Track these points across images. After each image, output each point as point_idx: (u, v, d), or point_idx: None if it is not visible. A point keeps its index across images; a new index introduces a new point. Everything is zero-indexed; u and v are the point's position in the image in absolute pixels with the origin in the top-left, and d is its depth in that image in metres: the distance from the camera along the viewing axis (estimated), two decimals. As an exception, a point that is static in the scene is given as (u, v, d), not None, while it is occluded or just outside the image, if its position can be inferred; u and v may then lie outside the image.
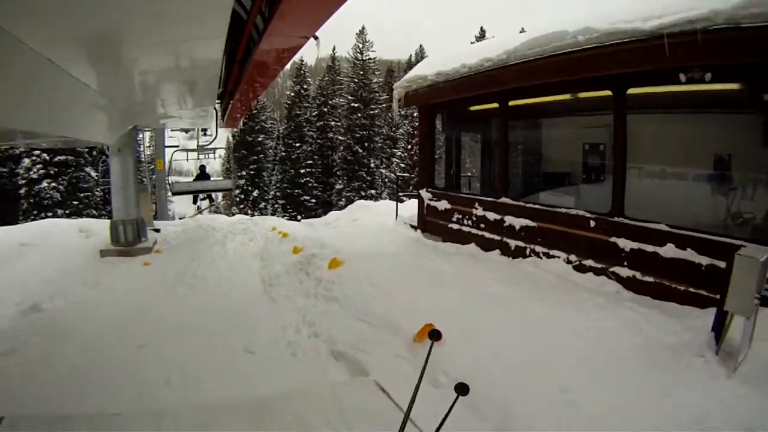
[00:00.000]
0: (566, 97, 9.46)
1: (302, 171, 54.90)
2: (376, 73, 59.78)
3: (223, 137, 53.94)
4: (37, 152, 38.72)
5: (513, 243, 9.71)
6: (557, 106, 10.09)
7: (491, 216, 10.35)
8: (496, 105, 10.52)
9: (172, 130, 22.90)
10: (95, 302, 9.51)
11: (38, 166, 39.32)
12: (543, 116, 11.42)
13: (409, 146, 47.28)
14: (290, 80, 62.95)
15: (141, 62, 7.54)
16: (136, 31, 5.68)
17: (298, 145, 55.90)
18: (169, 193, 21.76)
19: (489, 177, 12.57)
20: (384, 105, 57.29)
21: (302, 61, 60.07)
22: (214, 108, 16.11)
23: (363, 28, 58.88)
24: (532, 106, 10.39)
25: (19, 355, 7.02)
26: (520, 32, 11.16)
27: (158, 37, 6.02)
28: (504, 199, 10.14)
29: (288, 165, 55.44)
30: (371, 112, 56.09)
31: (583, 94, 9.05)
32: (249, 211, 54.94)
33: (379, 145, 55.91)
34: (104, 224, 15.28)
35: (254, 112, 58.26)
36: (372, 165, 54.30)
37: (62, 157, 38.04)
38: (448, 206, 11.88)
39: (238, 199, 56.65)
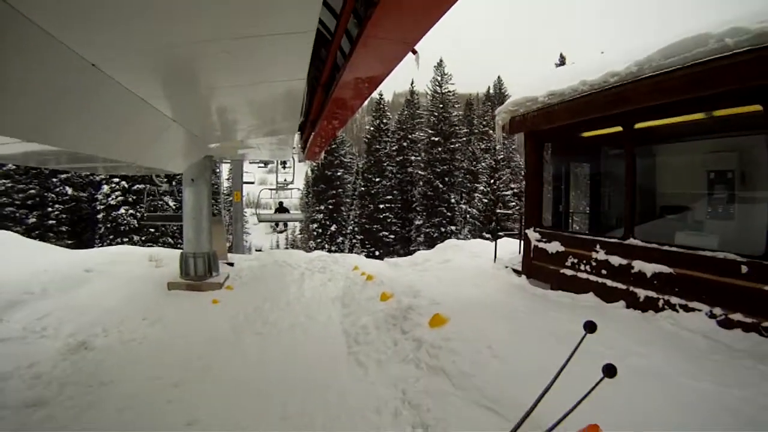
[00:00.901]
0: (711, 114, 7.82)
1: (381, 206, 53.99)
2: (456, 105, 58.78)
3: (301, 172, 53.98)
4: (116, 179, 39.60)
5: (642, 293, 7.92)
6: (698, 126, 8.32)
7: (615, 261, 8.60)
8: (619, 128, 8.88)
9: (250, 163, 22.53)
10: (152, 343, 8.41)
11: (117, 192, 40.11)
12: (676, 140, 9.52)
13: (492, 180, 45.42)
14: (368, 116, 62.64)
15: (218, 98, 7.23)
16: (215, 77, 5.90)
17: (377, 179, 55.15)
18: (247, 224, 21.71)
19: (611, 214, 10.89)
20: (464, 139, 56.09)
21: (381, 95, 59.72)
22: (294, 142, 15.26)
23: (441, 60, 58.26)
24: (665, 128, 8.67)
25: (48, 407, 5.93)
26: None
27: (236, 81, 6.15)
28: (632, 241, 8.38)
29: (367, 200, 54.65)
30: (451, 146, 54.89)
31: (733, 110, 7.38)
32: (326, 246, 54.46)
33: (460, 179, 54.52)
34: (176, 254, 14.60)
35: (332, 146, 58.19)
36: (452, 200, 52.83)
37: (140, 186, 38.06)
38: (561, 249, 10.13)
39: (315, 233, 56.28)
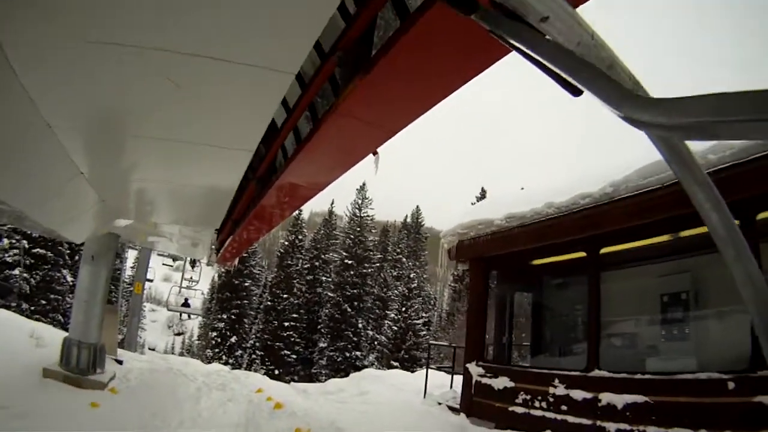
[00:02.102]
0: (677, 235, 7.40)
1: (286, 324, 51.88)
2: (373, 231, 58.70)
3: (208, 275, 51.71)
4: (17, 236, 36.45)
5: (613, 427, 7.10)
6: (667, 248, 7.89)
7: (578, 395, 7.79)
8: (582, 254, 8.41)
9: (158, 254, 21.27)
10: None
11: (15, 250, 36.68)
12: (645, 262, 8.83)
13: (403, 308, 44.59)
14: (283, 230, 61.75)
15: (142, 169, 6.55)
16: (145, 146, 5.32)
17: (285, 296, 53.36)
18: (144, 320, 20.45)
19: (571, 344, 10.09)
20: (377, 265, 55.63)
21: (300, 211, 59.10)
22: (211, 245, 13.98)
23: (364, 184, 58.62)
24: (631, 251, 8.24)
25: None
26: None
27: (167, 173, 5.97)
28: (597, 372, 7.67)
29: (272, 315, 52.49)
30: (364, 270, 54.10)
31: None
32: (224, 357, 51.54)
33: (369, 305, 53.43)
34: (62, 337, 12.75)
35: (245, 255, 56.45)
36: (360, 325, 51.41)
37: (41, 251, 35.73)
38: (510, 384, 9.20)
39: (214, 341, 53.32)
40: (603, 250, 8.17)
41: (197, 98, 3.89)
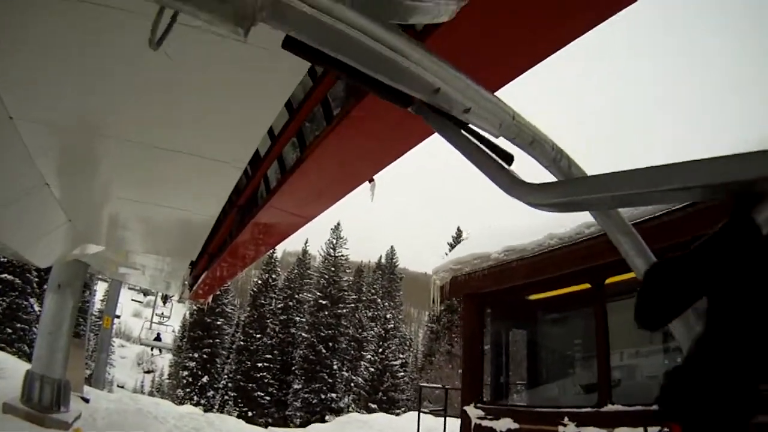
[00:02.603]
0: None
1: (259, 364, 50.45)
2: (347, 271, 57.79)
3: (179, 312, 50.26)
4: None
5: None
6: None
7: None
8: (586, 285, 7.89)
9: (129, 288, 20.48)
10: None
11: None
12: None
13: (380, 350, 43.55)
14: (255, 269, 60.67)
15: (114, 190, 6.25)
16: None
17: (258, 336, 52.06)
18: (113, 356, 19.68)
19: (578, 380, 9.45)
20: (352, 305, 54.61)
21: (274, 250, 58.20)
22: (185, 280, 13.32)
23: (338, 224, 57.95)
24: (638, 280, 7.67)
25: None
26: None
27: (142, 191, 5.67)
28: (610, 407, 7.07)
29: (245, 356, 51.06)
30: (338, 311, 52.97)
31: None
32: (196, 397, 49.93)
33: (344, 346, 52.20)
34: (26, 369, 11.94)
35: (217, 293, 55.06)
36: (335, 367, 50.12)
37: (8, 277, 33.21)
38: (514, 426, 8.43)
39: (185, 381, 51.62)
40: (608, 281, 7.65)
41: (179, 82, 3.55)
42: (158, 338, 24.27)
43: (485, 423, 9.02)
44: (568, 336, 9.69)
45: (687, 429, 0.76)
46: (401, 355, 48.72)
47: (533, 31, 2.53)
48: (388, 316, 48.64)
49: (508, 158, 1.25)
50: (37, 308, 34.45)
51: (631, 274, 4.74)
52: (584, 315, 8.55)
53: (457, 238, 50.17)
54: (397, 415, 14.13)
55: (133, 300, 26.70)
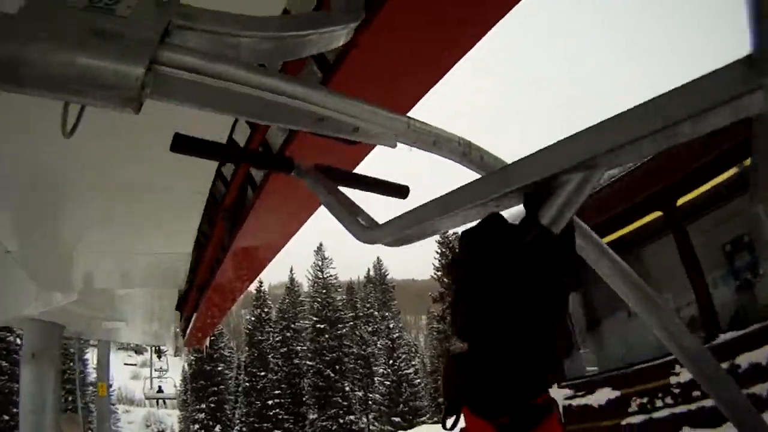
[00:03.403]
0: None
1: (270, 402, 48.91)
2: (339, 290, 56.50)
3: (176, 367, 48.49)
4: None
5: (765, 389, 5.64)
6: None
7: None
8: (657, 214, 7.21)
9: (118, 348, 19.20)
10: None
11: None
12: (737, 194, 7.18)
13: (391, 361, 42.16)
14: (243, 308, 59.35)
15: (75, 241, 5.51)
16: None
17: (262, 373, 50.51)
18: (119, 422, 18.61)
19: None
20: (351, 323, 53.34)
21: (261, 284, 56.62)
22: (176, 328, 12.25)
23: (321, 245, 56.75)
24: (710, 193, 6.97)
25: None
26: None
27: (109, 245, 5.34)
28: (723, 337, 6.34)
29: (253, 396, 49.47)
30: (338, 332, 51.62)
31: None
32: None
33: (351, 366, 50.93)
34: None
35: (211, 338, 53.48)
36: (347, 388, 48.81)
37: None
38: (615, 393, 7.57)
39: (197, 435, 50.12)
40: (680, 201, 6.80)
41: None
42: (160, 390, 23.93)
43: (576, 402, 8.12)
44: (648, 276, 8.75)
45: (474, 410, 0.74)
46: (413, 363, 47.53)
47: (435, 43, 2.40)
48: (391, 325, 47.19)
49: (403, 192, 1.41)
50: None
51: (706, 186, 5.95)
52: (661, 248, 7.88)
53: (444, 233, 49.31)
54: (437, 423, 13.09)
55: (126, 364, 26.91)
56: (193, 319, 9.36)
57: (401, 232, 1.02)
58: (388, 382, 41.18)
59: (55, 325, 9.70)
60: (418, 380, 43.85)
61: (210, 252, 5.82)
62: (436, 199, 0.91)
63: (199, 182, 4.14)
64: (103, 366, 17.61)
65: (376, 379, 45.35)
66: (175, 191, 4.23)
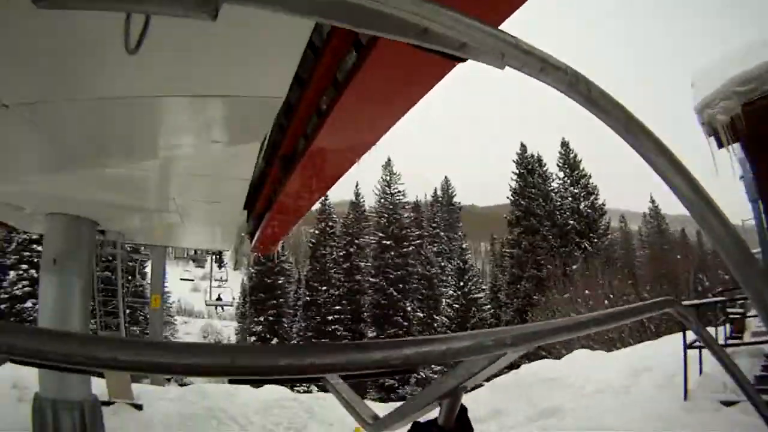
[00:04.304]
0: None
1: (329, 318, 47.61)
2: (406, 207, 53.66)
3: (235, 280, 47.08)
4: (24, 266, 35.42)
5: None
6: None
7: None
8: None
9: (176, 257, 17.36)
10: None
11: (24, 282, 35.34)
12: None
13: (461, 284, 39.49)
14: (304, 225, 57.59)
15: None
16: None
17: (324, 288, 49.01)
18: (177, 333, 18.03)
19: None
20: (417, 242, 50.79)
21: (326, 197, 54.18)
22: (242, 234, 9.94)
23: (389, 159, 53.70)
24: None
25: None
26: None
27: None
28: None
29: (313, 311, 48.31)
30: (404, 250, 49.35)
31: None
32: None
33: (414, 285, 48.83)
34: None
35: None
36: (408, 308, 46.88)
37: None
38: None
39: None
40: None
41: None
42: (219, 299, 24.64)
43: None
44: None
45: None
46: (483, 287, 44.89)
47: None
48: (464, 245, 44.04)
49: None
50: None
51: None
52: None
53: (523, 155, 45.61)
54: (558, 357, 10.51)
55: (182, 279, 26.23)
56: (265, 219, 7.48)
57: None
58: (457, 305, 38.55)
59: (84, 221, 7.16)
60: (488, 306, 41.23)
61: (297, 122, 5.18)
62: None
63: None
64: (158, 276, 15.51)
65: (444, 300, 42.81)
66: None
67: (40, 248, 37.03)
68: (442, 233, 56.96)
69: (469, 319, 37.72)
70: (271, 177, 6.24)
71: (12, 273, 35.55)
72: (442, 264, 52.89)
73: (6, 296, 35.09)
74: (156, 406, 10.02)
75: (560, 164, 44.13)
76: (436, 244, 54.44)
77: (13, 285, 35.29)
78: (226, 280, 24.32)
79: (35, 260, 34.70)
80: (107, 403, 10.04)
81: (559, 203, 42.32)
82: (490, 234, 74.35)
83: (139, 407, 9.85)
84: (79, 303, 7.03)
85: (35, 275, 33.52)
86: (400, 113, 4.10)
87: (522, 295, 38.58)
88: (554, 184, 44.08)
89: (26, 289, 34.76)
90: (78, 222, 7.08)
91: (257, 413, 9.78)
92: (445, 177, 66.59)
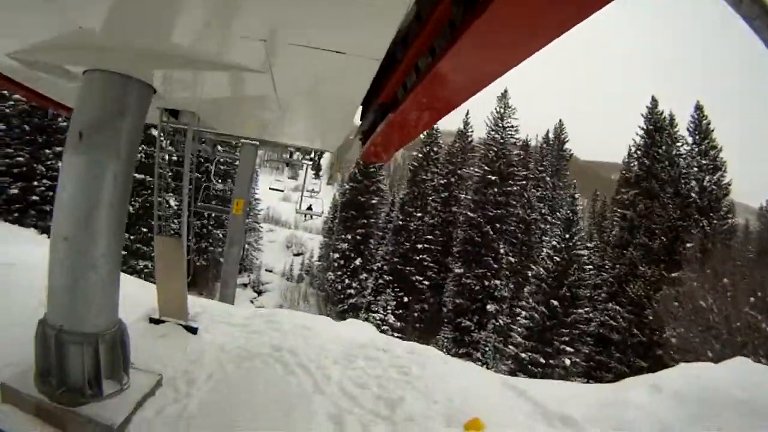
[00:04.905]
0: None
1: (419, 246, 45.65)
2: (516, 144, 49.83)
3: (326, 196, 45.23)
4: None
5: None
6: None
7: None
8: None
9: (266, 160, 15.66)
10: None
11: None
12: None
13: (567, 235, 36.10)
14: (406, 151, 55.15)
15: None
16: None
17: (419, 214, 46.93)
18: (261, 240, 16.35)
19: None
20: (522, 182, 47.39)
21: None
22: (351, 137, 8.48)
23: (505, 91, 49.68)
24: None
25: None
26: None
27: None
28: None
29: (403, 237, 46.37)
30: (507, 188, 46.07)
31: None
32: (347, 280, 46.58)
33: (512, 228, 45.88)
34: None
35: (371, 170, 50.53)
36: (501, 251, 44.22)
37: (140, 176, 30.79)
38: None
39: (336, 264, 48.28)
40: None
41: None
42: (310, 208, 22.54)
43: None
44: None
45: None
46: (588, 245, 41.42)
47: None
48: (577, 195, 40.03)
49: None
50: (173, 203, 33.13)
51: None
52: None
53: (653, 110, 40.81)
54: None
55: (271, 189, 25.53)
56: (386, 121, 5.83)
57: None
58: (558, 258, 35.50)
59: (130, 82, 4.96)
60: (590, 267, 37.90)
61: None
62: None
63: None
64: (244, 179, 13.57)
65: (544, 250, 39.68)
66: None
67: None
68: (548, 178, 53.20)
69: (567, 276, 34.69)
70: (397, 74, 4.72)
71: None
72: (543, 211, 49.56)
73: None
74: (211, 334, 8.28)
75: (690, 129, 39.12)
76: (540, 189, 50.87)
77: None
78: (318, 192, 23.06)
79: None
80: (157, 321, 8.43)
81: (684, 171, 37.47)
82: (593, 190, 69.64)
83: (193, 331, 8.14)
84: (116, 195, 5.06)
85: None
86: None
87: (627, 262, 34.97)
88: (682, 150, 39.12)
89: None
90: (122, 83, 5.03)
91: (336, 363, 7.85)
92: (560, 120, 61.71)
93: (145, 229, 32.86)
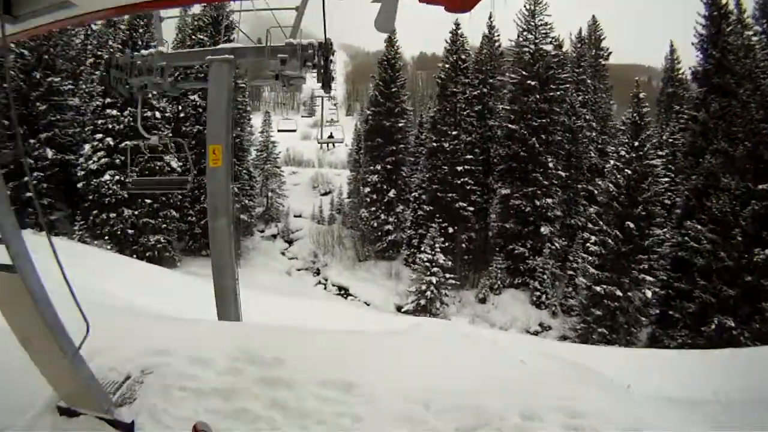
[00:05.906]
0: None
1: (459, 168, 40.84)
2: (553, 43, 43.52)
3: (348, 129, 39.85)
4: (99, 136, 33.70)
5: None
6: None
7: None
8: None
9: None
10: None
11: (100, 153, 33.62)
12: None
13: (636, 143, 30.58)
14: (420, 69, 49.23)
15: None
16: None
17: (454, 132, 41.77)
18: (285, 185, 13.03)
19: None
20: (565, 86, 41.67)
21: (458, 25, 44.98)
22: None
23: (534, -19, 43.09)
24: None
25: None
26: None
27: None
28: None
29: (440, 159, 41.49)
30: (550, 94, 40.40)
31: None
32: (382, 215, 42.19)
33: (558, 138, 40.67)
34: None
35: (393, 90, 45.77)
36: (550, 165, 39.22)
37: (130, 143, 27.00)
38: None
39: (369, 199, 43.84)
40: None
41: None
42: (331, 136, 22.54)
43: None
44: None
45: None
46: (660, 153, 35.67)
47: None
48: (641, 95, 33.88)
49: None
50: (176, 166, 33.29)
51: None
52: None
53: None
54: None
55: (280, 131, 23.30)
56: None
57: None
58: (629, 171, 30.07)
59: None
60: (665, 179, 32.68)
61: None
62: None
63: None
64: (219, 115, 8.79)
65: (611, 162, 34.04)
66: None
67: (115, 113, 33.78)
68: (588, 81, 47.09)
69: (641, 191, 29.60)
70: None
71: (86, 146, 34.15)
72: (587, 117, 43.92)
73: (83, 172, 33.69)
74: (164, 420, 4.10)
75: (756, 15, 32.62)
76: (581, 93, 45.02)
77: (88, 159, 33.70)
78: (338, 121, 22.87)
79: (111, 127, 33.53)
80: (70, 413, 4.33)
81: (762, 63, 31.02)
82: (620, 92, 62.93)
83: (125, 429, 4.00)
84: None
85: (111, 143, 33.24)
86: None
87: (704, 172, 29.29)
88: (754, 39, 32.59)
89: (103, 160, 33.37)
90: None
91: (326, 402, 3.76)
92: (593, 16, 54.76)
93: (149, 201, 35.15)
